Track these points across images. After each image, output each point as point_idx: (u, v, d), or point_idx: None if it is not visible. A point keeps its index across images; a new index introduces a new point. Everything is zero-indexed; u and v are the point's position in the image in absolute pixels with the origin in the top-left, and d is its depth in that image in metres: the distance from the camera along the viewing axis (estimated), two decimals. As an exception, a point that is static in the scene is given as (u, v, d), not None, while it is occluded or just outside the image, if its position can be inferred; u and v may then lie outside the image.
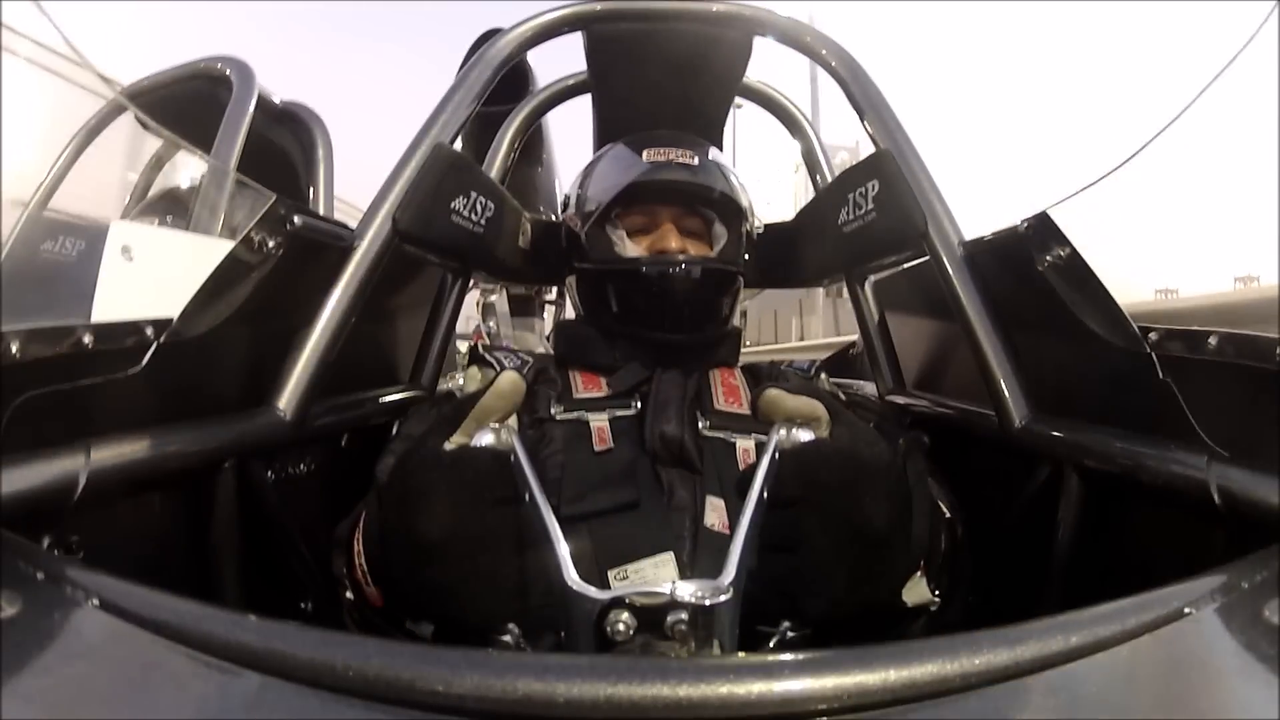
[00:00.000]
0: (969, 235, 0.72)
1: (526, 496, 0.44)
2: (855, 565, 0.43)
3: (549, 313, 2.66)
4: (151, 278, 0.58)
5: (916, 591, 0.55)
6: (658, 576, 0.55)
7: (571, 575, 0.39)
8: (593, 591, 0.38)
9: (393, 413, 0.88)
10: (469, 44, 1.30)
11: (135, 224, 1.36)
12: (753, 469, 0.45)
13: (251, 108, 1.51)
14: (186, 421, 0.53)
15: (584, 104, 1.08)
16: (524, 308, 2.47)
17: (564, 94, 1.11)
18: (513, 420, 0.52)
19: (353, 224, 0.71)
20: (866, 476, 0.44)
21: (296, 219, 0.58)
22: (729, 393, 0.70)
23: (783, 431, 0.47)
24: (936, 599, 0.55)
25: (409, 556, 0.43)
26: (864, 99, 0.82)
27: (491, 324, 2.26)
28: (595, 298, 0.75)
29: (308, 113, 1.75)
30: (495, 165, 1.06)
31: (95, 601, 0.30)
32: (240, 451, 0.58)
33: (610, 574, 0.55)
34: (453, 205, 0.73)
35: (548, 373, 0.72)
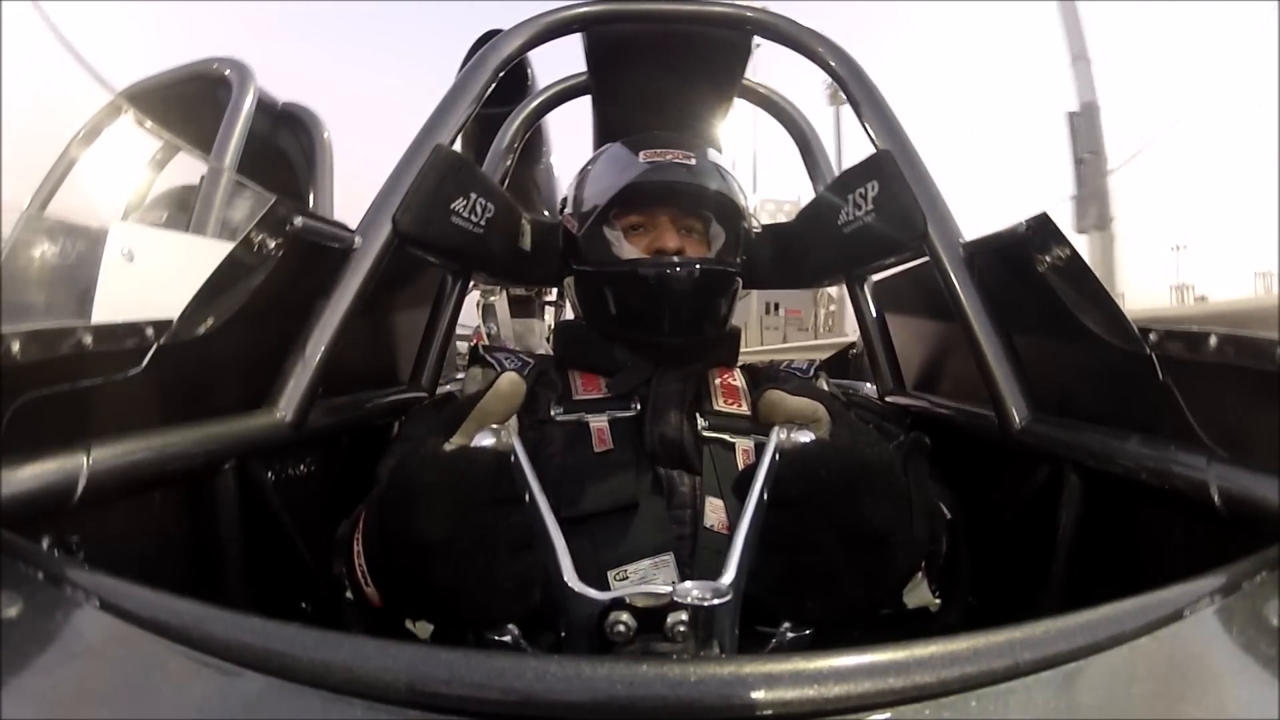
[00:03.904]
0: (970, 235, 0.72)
1: (526, 497, 0.44)
2: (855, 566, 0.43)
3: (549, 313, 2.66)
4: (151, 278, 0.58)
5: (917, 593, 0.54)
6: (657, 577, 0.55)
7: (571, 576, 0.39)
8: (593, 593, 0.38)
9: (393, 413, 0.88)
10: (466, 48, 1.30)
11: (135, 225, 1.36)
12: (752, 469, 0.45)
13: (251, 108, 1.52)
14: (187, 422, 0.53)
15: (584, 104, 1.08)
16: (524, 309, 2.47)
17: (564, 94, 1.11)
18: (513, 421, 0.52)
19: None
20: (867, 477, 0.44)
21: (297, 220, 0.58)
22: (728, 393, 0.70)
23: (783, 432, 0.47)
24: (937, 600, 0.55)
25: (409, 557, 0.43)
26: (864, 99, 0.82)
27: (492, 326, 2.26)
28: (593, 300, 0.75)
29: (308, 114, 1.76)
30: (495, 166, 1.06)
31: (96, 602, 0.30)
32: (240, 452, 0.58)
33: (610, 575, 0.55)
34: (453, 206, 0.73)
35: (548, 374, 0.72)
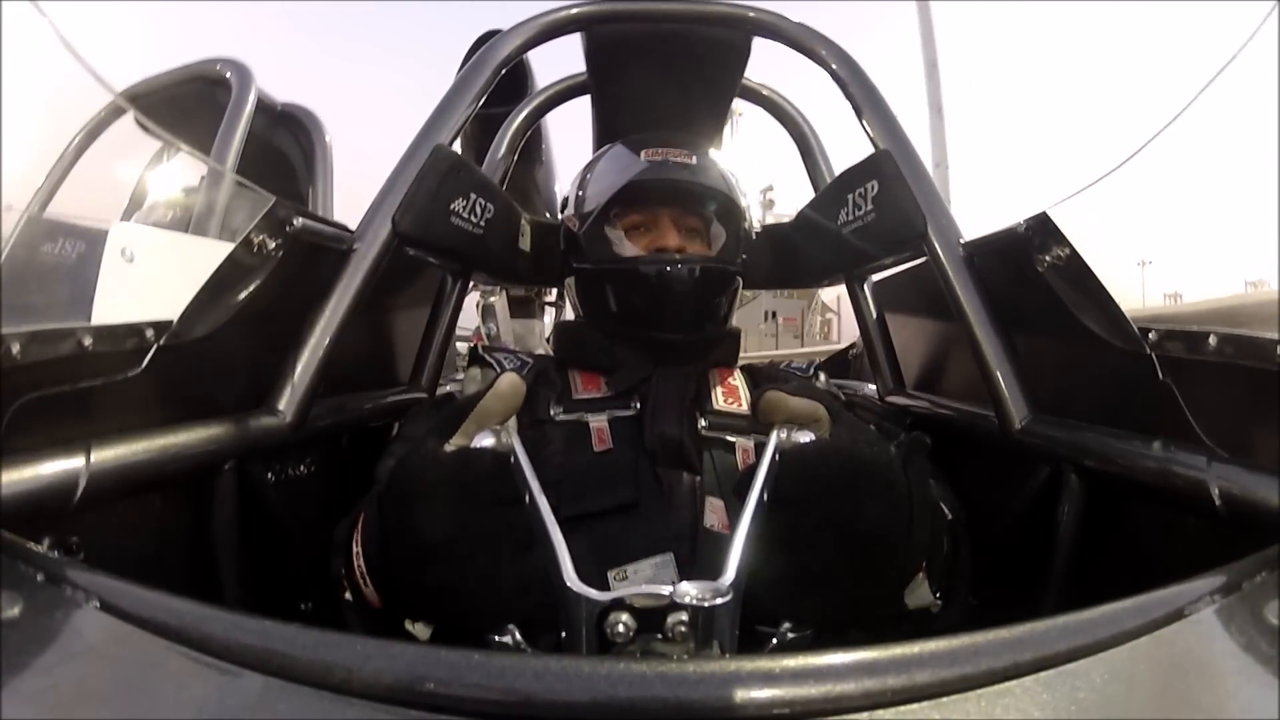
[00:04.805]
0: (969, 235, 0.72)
1: (526, 497, 0.44)
2: (856, 566, 0.43)
3: (549, 314, 2.65)
4: (151, 279, 0.58)
5: (918, 593, 0.54)
6: (657, 577, 0.55)
7: (571, 576, 0.39)
8: (592, 593, 0.38)
9: (393, 414, 0.88)
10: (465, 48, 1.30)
11: (135, 225, 1.36)
12: (752, 469, 0.45)
13: (250, 109, 1.51)
14: (187, 423, 0.53)
15: (584, 104, 1.08)
16: (524, 309, 2.46)
17: (564, 94, 1.11)
18: (512, 421, 0.52)
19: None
20: (867, 477, 0.44)
21: (296, 221, 0.58)
22: (728, 393, 0.70)
23: (783, 432, 0.47)
24: (938, 600, 0.55)
25: (409, 558, 0.43)
26: (864, 99, 0.82)
27: (492, 326, 2.25)
28: (594, 298, 0.75)
29: (307, 115, 1.75)
30: (495, 166, 1.06)
31: (95, 602, 0.30)
32: (240, 453, 0.58)
33: (610, 574, 0.55)
34: (452, 207, 0.73)
35: (547, 374, 0.72)
